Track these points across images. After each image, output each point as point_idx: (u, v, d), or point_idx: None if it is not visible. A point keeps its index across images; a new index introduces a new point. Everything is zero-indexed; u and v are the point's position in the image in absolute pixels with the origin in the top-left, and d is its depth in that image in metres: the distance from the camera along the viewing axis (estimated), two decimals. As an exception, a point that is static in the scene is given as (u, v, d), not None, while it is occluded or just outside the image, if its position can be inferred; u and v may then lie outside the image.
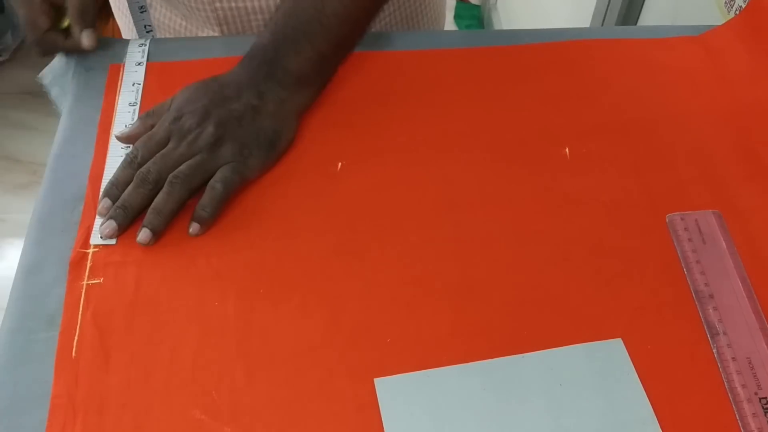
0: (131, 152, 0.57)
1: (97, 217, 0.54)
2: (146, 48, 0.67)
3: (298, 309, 0.50)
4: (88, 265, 0.52)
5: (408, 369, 0.48)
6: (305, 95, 0.62)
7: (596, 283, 0.53)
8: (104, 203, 0.54)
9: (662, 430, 0.45)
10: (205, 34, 0.76)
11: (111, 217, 0.53)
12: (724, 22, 0.73)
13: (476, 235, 0.55)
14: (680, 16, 0.96)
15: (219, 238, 0.54)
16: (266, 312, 0.50)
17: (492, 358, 0.48)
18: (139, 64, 0.66)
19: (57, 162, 0.59)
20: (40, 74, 0.70)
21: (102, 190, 0.56)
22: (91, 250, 0.53)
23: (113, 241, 0.53)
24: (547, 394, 0.47)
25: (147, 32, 0.70)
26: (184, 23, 0.78)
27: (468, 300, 0.51)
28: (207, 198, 0.55)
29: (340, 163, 0.59)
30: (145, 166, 0.55)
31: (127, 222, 0.54)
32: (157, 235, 0.53)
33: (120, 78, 0.65)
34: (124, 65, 0.66)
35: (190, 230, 0.54)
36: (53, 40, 0.64)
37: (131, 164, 0.56)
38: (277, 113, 0.60)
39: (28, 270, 0.52)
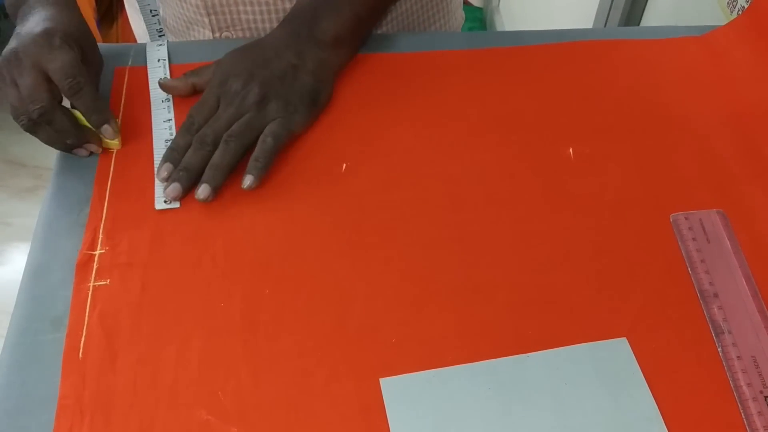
0: (187, 120, 0.60)
1: (156, 183, 0.57)
2: (164, 47, 0.68)
3: (304, 309, 0.51)
4: (95, 266, 0.52)
5: (413, 369, 0.48)
6: (341, 56, 0.66)
7: (601, 283, 0.53)
8: (166, 167, 0.57)
9: (668, 428, 0.45)
10: (197, 27, 0.77)
11: (175, 180, 0.56)
12: (726, 22, 0.73)
13: (481, 235, 0.55)
14: (683, 17, 0.96)
15: (224, 238, 0.54)
16: (272, 312, 0.50)
17: (497, 357, 0.48)
18: (160, 60, 0.67)
19: (63, 164, 0.59)
20: None
21: (161, 156, 0.58)
22: (97, 252, 0.53)
23: (177, 204, 0.56)
24: (553, 393, 0.47)
25: (159, 35, 0.71)
26: (176, 16, 0.78)
27: (473, 300, 0.51)
28: (259, 150, 0.58)
29: (345, 164, 0.60)
30: (201, 130, 0.59)
31: (190, 183, 0.56)
32: (216, 191, 0.56)
33: (124, 81, 0.65)
34: (146, 67, 0.66)
35: (246, 183, 0.56)
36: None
37: (189, 130, 0.59)
38: (316, 71, 0.64)
39: (35, 272, 0.52)
